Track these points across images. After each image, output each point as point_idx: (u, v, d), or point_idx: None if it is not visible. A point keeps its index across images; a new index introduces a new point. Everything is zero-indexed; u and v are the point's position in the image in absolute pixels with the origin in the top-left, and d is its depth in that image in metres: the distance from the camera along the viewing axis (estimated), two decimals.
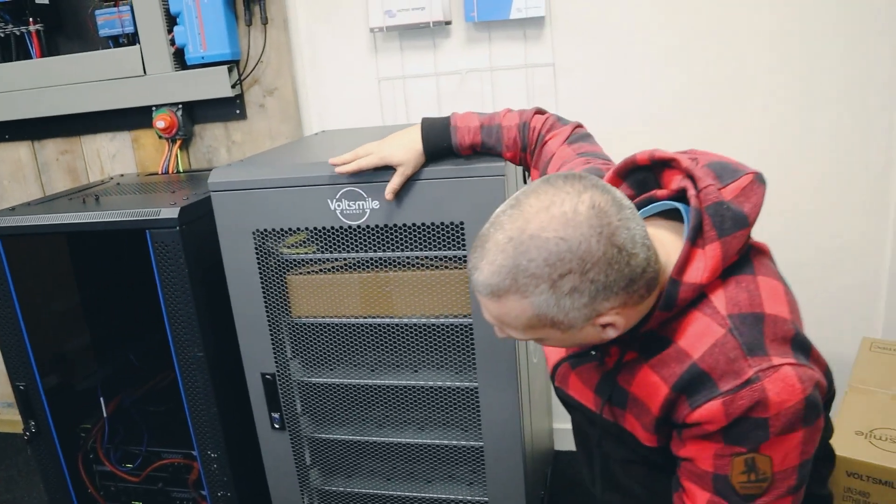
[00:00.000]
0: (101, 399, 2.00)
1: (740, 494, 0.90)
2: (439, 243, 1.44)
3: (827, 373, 0.95)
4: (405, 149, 1.37)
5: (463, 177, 1.37)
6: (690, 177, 0.94)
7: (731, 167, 0.96)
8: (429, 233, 1.43)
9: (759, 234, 0.97)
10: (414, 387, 1.61)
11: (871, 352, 1.67)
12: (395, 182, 1.38)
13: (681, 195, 0.97)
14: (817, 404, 0.89)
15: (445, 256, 1.47)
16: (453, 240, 1.43)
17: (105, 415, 1.99)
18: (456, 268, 1.48)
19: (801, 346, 0.90)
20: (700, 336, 0.90)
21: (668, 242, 0.94)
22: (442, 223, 1.41)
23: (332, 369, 1.66)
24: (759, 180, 0.94)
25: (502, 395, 1.51)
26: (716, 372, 0.88)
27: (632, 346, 0.98)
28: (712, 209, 0.90)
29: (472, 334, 1.48)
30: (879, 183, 1.89)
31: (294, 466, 1.69)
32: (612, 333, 0.90)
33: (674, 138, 1.92)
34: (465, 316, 1.50)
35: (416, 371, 1.62)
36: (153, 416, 2.09)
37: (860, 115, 1.85)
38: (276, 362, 1.61)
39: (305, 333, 1.62)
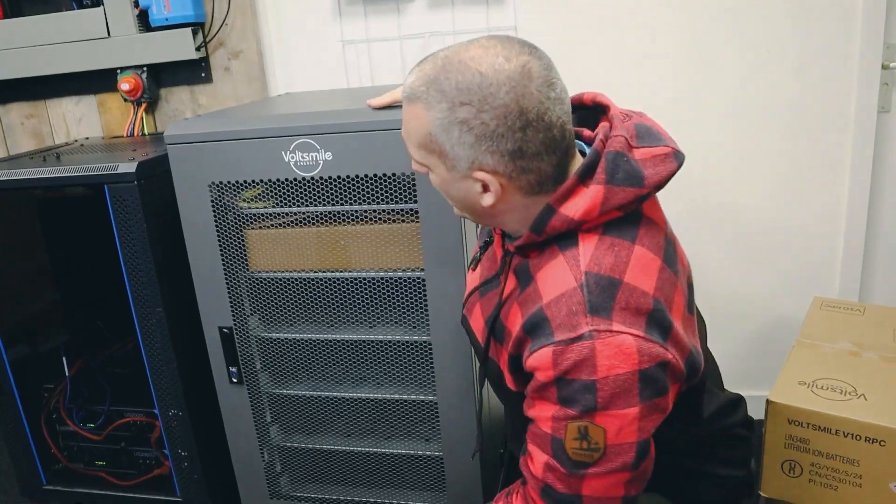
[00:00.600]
0: (64, 359, 2.00)
1: (573, 461, 0.89)
2: (391, 196, 1.46)
3: (690, 359, 0.93)
4: None
5: None
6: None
7: (657, 135, 0.98)
8: (381, 185, 1.45)
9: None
10: (371, 341, 1.63)
11: (821, 310, 1.71)
12: (383, 98, 1.40)
13: None
14: (657, 382, 0.87)
15: (398, 210, 1.49)
16: (405, 193, 1.45)
17: (67, 374, 2.00)
18: (409, 221, 1.50)
19: (659, 324, 0.89)
20: (555, 282, 0.91)
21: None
22: (393, 174, 1.43)
23: (290, 324, 1.67)
24: (675, 157, 0.95)
25: (455, 350, 1.53)
26: (555, 321, 0.88)
27: (513, 265, 0.99)
28: (611, 156, 0.91)
29: (424, 287, 1.50)
30: (836, 152, 1.92)
31: (253, 422, 1.71)
32: (487, 200, 0.92)
33: (634, 103, 1.94)
34: (418, 269, 1.51)
35: (372, 326, 1.63)
36: (117, 378, 2.10)
37: (817, 85, 1.89)
38: (233, 317, 1.62)
39: (263, 288, 1.63)
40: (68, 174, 1.66)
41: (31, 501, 2.08)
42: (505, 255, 1.03)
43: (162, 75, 2.21)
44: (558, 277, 0.91)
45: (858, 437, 1.31)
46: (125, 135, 2.24)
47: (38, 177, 1.70)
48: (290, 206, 1.52)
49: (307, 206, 1.51)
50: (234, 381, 1.66)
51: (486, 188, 0.92)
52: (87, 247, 2.11)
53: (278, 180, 1.48)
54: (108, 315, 2.23)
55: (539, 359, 0.88)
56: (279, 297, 1.64)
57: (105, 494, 1.98)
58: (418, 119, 0.91)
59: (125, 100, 2.21)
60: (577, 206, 0.90)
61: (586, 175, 0.91)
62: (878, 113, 1.90)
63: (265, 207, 1.56)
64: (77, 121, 2.34)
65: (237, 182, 1.51)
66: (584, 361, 0.85)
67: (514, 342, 0.95)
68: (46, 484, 2.03)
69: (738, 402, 1.19)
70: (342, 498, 1.75)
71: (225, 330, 1.63)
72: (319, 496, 1.76)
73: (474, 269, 1.18)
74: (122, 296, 1.82)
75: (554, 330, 0.88)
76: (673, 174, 0.94)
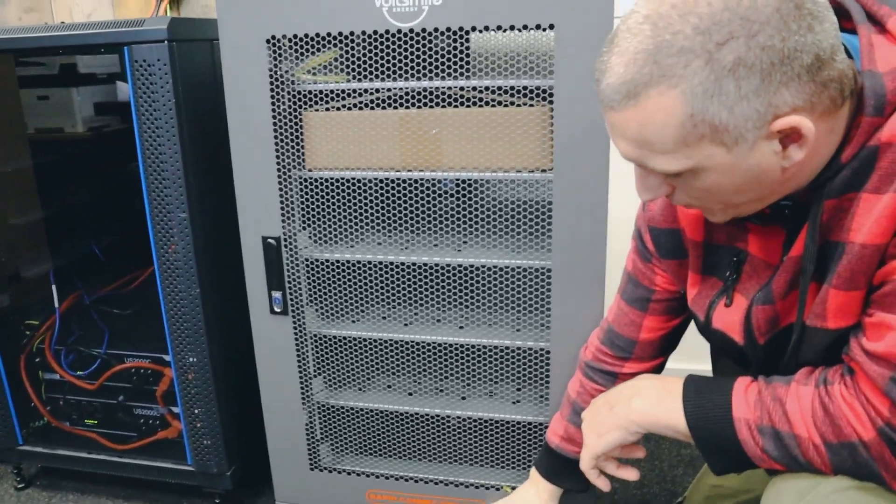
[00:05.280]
0: (54, 287, 1.61)
1: None
2: (517, 66, 1.09)
3: None
4: None
5: None
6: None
7: None
8: (505, 47, 1.08)
9: None
10: (464, 266, 1.26)
11: None
12: None
13: None
14: None
15: (519, 88, 1.12)
16: (536, 64, 1.08)
17: (57, 305, 1.60)
18: (534, 104, 1.13)
19: None
20: None
21: None
22: (525, 26, 1.06)
23: (352, 242, 1.30)
24: None
25: (582, 282, 1.15)
26: None
27: (825, 191, 0.71)
28: None
29: (548, 196, 1.13)
30: None
31: (297, 366, 1.32)
32: (795, 155, 0.67)
33: None
34: (543, 171, 1.14)
35: (467, 245, 1.26)
36: (118, 320, 1.71)
37: None
38: (283, 225, 1.24)
39: (321, 192, 1.26)
40: (79, 31, 1.29)
41: (2, 464, 1.68)
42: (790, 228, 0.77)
43: None
44: None
45: None
46: None
47: (39, 35, 1.32)
48: (372, 78, 1.15)
49: (398, 75, 1.14)
50: (277, 310, 1.28)
51: (791, 138, 0.67)
52: (90, 148, 1.74)
53: (363, 33, 1.11)
54: (108, 244, 1.85)
55: None
56: (341, 204, 1.26)
57: (95, 458, 1.59)
58: (664, 109, 0.66)
59: None
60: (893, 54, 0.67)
61: (869, 19, 0.71)
62: None
63: (335, 82, 1.19)
64: (86, 17, 1.96)
65: (306, 38, 1.13)
66: None
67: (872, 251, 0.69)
68: (23, 444, 1.63)
69: None
70: (401, 474, 1.36)
71: (270, 241, 1.24)
72: (372, 471, 1.37)
73: (729, 305, 0.86)
74: (127, 224, 1.44)
75: None
76: None
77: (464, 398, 1.34)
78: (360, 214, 1.30)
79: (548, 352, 1.22)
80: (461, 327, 1.30)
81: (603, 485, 0.97)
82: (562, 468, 1.14)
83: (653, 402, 0.84)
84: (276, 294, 1.27)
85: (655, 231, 0.93)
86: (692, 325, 1.05)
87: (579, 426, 1.09)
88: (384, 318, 1.35)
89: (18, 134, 1.63)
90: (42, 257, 1.69)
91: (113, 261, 1.84)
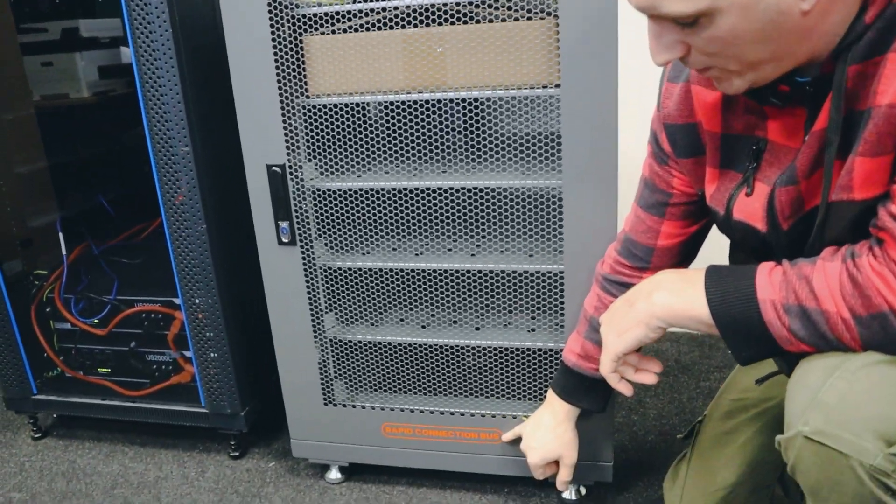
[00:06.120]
0: (61, 235, 1.60)
1: None
2: None
3: None
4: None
5: None
6: None
7: None
8: None
9: None
10: (473, 189, 1.23)
11: None
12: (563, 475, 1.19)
13: None
14: None
15: (524, 3, 1.08)
16: None
17: (64, 252, 1.59)
18: (539, 17, 1.09)
19: None
20: None
21: None
22: None
23: (359, 169, 1.27)
24: None
25: (597, 202, 1.12)
26: None
27: (849, 55, 0.67)
28: None
29: (555, 113, 1.10)
30: None
31: (306, 295, 1.30)
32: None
33: None
34: (549, 86, 1.10)
35: (475, 168, 1.23)
36: (126, 270, 1.70)
37: None
38: (287, 153, 1.21)
39: (324, 119, 1.23)
40: None
41: (17, 414, 1.68)
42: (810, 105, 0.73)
43: None
44: None
45: None
46: None
47: None
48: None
49: None
50: (285, 240, 1.26)
51: None
52: (96, 112, 1.72)
53: None
54: (118, 192, 1.83)
55: None
56: (347, 133, 1.23)
57: (109, 405, 1.58)
58: None
59: None
60: None
61: None
62: None
63: (338, 3, 1.15)
64: None
65: None
66: None
67: None
68: (37, 393, 1.63)
69: None
70: (415, 408, 1.34)
71: (275, 168, 1.22)
72: (387, 406, 1.36)
73: (750, 194, 0.82)
74: (134, 176, 1.42)
75: None
76: None
77: (478, 329, 1.32)
78: (367, 143, 1.27)
79: (562, 275, 1.19)
80: (473, 255, 1.27)
81: (625, 389, 0.95)
82: (579, 386, 1.12)
83: (674, 294, 0.81)
84: (283, 224, 1.24)
85: (672, 128, 0.90)
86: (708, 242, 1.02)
87: (596, 343, 1.07)
88: (394, 249, 1.33)
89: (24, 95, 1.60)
90: (49, 208, 1.67)
91: (121, 215, 1.83)
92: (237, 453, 1.54)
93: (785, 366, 0.98)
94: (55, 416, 1.76)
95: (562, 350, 1.19)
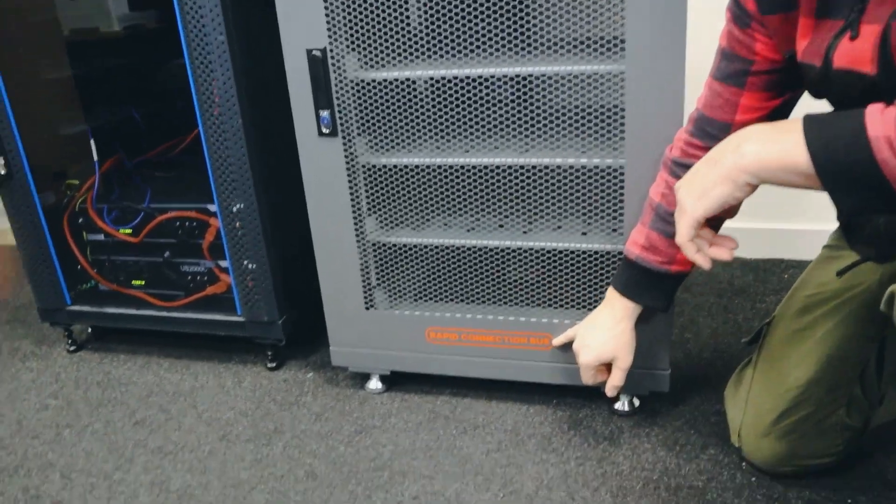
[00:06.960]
0: (92, 142, 1.54)
1: None
2: None
3: None
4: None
5: None
6: None
7: None
8: None
9: None
10: (529, 76, 1.14)
11: None
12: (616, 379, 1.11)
13: None
14: None
15: None
16: None
17: (96, 159, 1.54)
18: None
19: None
20: None
21: None
22: None
23: (404, 60, 1.19)
24: None
25: (662, 84, 1.03)
26: None
27: None
28: None
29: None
30: None
31: (348, 197, 1.24)
32: None
33: None
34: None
35: (540, 51, 1.14)
36: (160, 181, 1.65)
37: None
38: (329, 36, 1.14)
39: (367, 4, 1.15)
40: None
41: (52, 326, 1.66)
42: None
43: None
44: None
45: None
46: None
47: None
48: None
49: None
50: (326, 131, 1.19)
51: None
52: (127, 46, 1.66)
53: None
54: (152, 107, 1.78)
55: None
56: (391, 20, 1.15)
57: (143, 315, 1.54)
58: None
59: None
60: None
61: None
62: None
63: None
64: None
65: None
66: None
67: None
68: (71, 304, 1.60)
69: None
70: (461, 315, 1.28)
71: (315, 52, 1.14)
72: (430, 313, 1.30)
73: (855, 37, 0.73)
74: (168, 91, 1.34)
75: None
76: None
77: (526, 233, 1.25)
78: (409, 33, 1.18)
79: (622, 170, 1.11)
80: (525, 151, 1.19)
81: (703, 261, 0.87)
82: (641, 281, 1.04)
83: (767, 143, 0.72)
84: (324, 113, 1.17)
85: None
86: None
87: (662, 232, 0.99)
88: (439, 148, 1.25)
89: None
90: (79, 117, 1.62)
91: (155, 129, 1.77)
92: (273, 364, 1.50)
93: (873, 251, 0.89)
94: (90, 330, 1.73)
95: (619, 253, 1.11)
